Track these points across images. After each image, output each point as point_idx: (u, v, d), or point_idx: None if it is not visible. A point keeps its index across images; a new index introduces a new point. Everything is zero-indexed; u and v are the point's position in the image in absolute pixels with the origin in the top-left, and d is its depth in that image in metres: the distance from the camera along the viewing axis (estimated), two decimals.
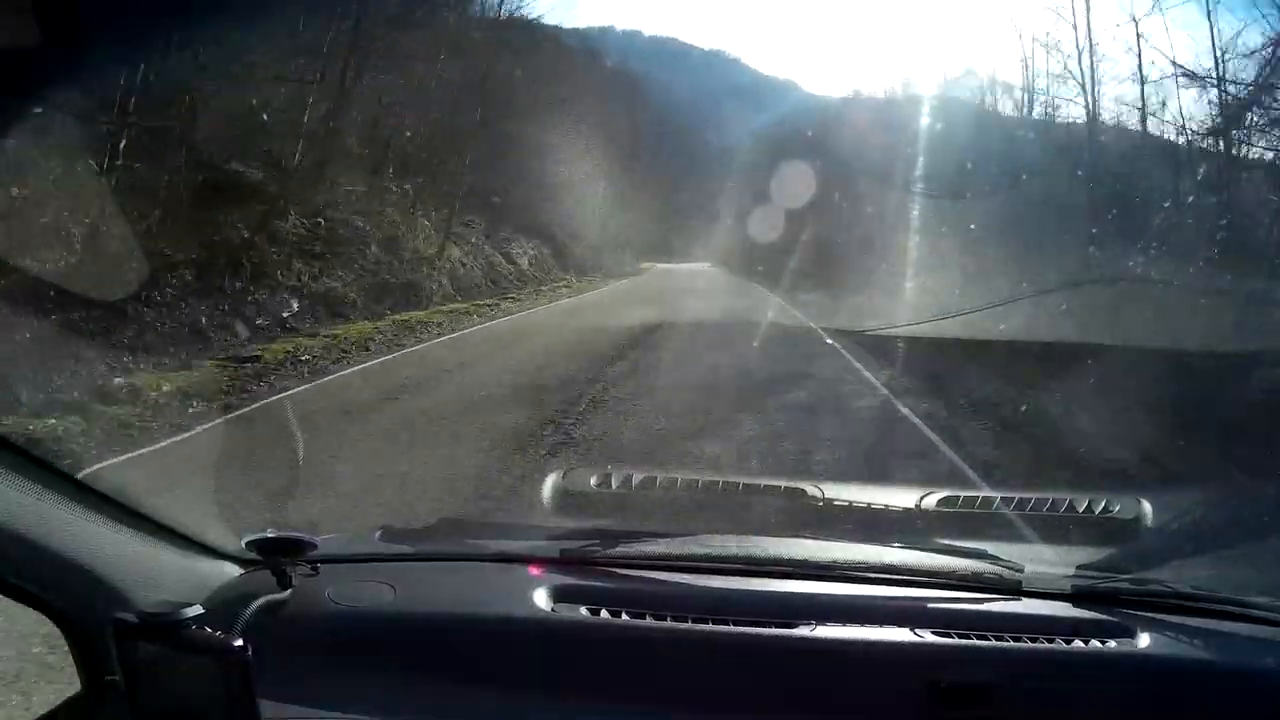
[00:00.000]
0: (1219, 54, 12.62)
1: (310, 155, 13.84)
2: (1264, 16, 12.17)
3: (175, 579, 1.44)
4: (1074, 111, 15.91)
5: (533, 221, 23.81)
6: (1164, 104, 13.92)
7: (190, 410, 6.85)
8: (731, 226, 34.23)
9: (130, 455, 5.54)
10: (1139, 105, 14.28)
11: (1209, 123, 13.10)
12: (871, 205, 19.76)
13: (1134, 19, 15.06)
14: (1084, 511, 2.46)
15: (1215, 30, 12.77)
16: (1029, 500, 2.87)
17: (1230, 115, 12.53)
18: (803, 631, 1.51)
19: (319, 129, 13.87)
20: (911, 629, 1.53)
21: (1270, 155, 12.90)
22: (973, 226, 14.82)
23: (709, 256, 42.33)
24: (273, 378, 8.31)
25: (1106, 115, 15.47)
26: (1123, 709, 1.46)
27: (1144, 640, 1.55)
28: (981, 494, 3.40)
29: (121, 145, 9.84)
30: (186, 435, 6.10)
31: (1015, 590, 1.67)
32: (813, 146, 25.92)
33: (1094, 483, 5.45)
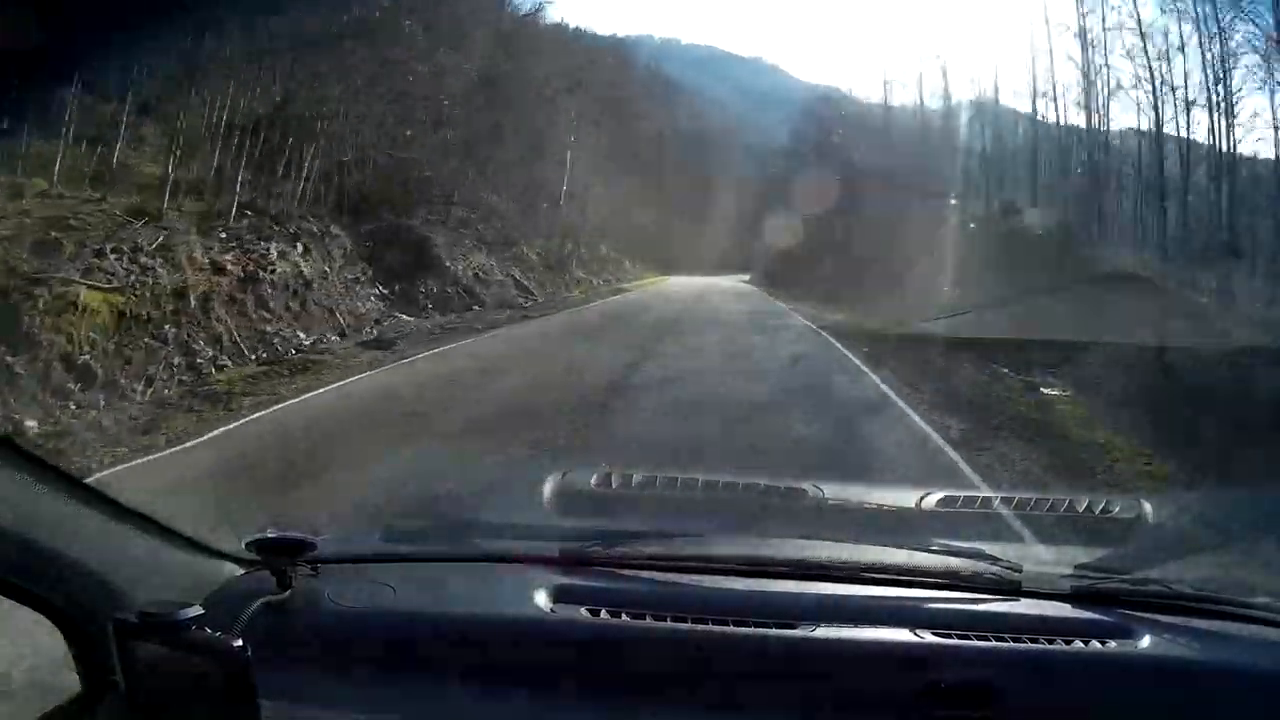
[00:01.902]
0: None
1: None
2: None
3: (175, 579, 1.44)
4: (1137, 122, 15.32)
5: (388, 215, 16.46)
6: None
7: None
8: (780, 233, 31.76)
9: None
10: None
11: None
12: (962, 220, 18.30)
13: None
14: (1083, 511, 2.46)
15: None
16: (1029, 500, 2.88)
17: None
18: (802, 632, 1.51)
19: None
20: (911, 629, 1.52)
21: None
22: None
23: (745, 268, 40.13)
24: None
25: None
26: (1122, 709, 1.46)
27: (1143, 641, 1.55)
28: (981, 494, 3.40)
29: None
30: None
31: (1015, 590, 1.67)
32: (872, 152, 24.68)
33: None
